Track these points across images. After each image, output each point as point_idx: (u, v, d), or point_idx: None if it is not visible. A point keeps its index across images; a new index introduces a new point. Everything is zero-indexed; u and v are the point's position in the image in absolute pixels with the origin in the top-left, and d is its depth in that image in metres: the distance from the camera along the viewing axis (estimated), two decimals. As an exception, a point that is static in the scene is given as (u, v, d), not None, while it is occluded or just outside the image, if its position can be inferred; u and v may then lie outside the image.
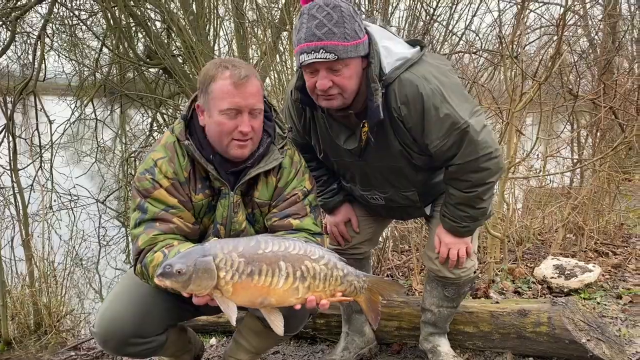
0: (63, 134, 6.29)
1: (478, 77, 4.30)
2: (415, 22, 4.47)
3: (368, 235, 2.50)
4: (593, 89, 4.87)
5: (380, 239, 3.87)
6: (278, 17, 5.13)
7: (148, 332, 1.97)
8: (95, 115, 7.15)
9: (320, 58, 1.83)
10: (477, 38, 4.73)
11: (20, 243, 3.97)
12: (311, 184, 2.04)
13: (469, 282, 2.37)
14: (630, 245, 4.30)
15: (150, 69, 7.10)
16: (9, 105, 4.16)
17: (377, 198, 2.29)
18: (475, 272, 2.38)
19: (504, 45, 3.58)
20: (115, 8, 6.30)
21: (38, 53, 5.46)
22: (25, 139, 5.94)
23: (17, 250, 4.11)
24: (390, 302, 2.75)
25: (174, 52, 6.36)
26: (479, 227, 2.31)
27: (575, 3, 4.41)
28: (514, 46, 3.58)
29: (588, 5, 5.50)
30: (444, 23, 4.44)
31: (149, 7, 6.48)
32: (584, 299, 3.20)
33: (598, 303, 3.14)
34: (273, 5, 5.32)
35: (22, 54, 7.11)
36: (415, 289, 3.48)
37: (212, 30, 6.02)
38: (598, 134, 4.52)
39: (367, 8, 4.41)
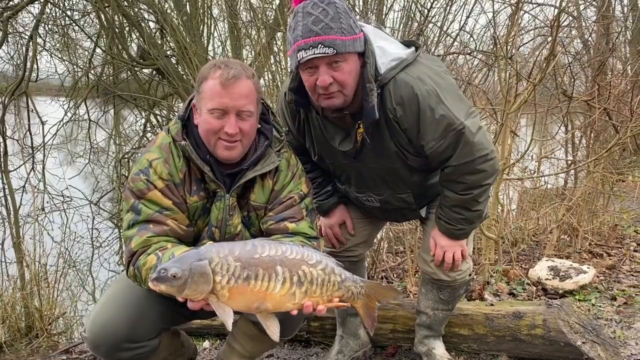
0: (55, 134, 6.25)
1: (472, 78, 4.29)
2: (410, 22, 4.47)
3: (363, 238, 2.49)
4: (587, 90, 4.88)
5: (375, 240, 3.86)
6: (272, 17, 5.11)
7: (141, 336, 1.94)
8: (89, 116, 7.11)
9: (319, 53, 1.81)
10: (472, 39, 4.73)
11: (11, 245, 3.94)
12: (307, 187, 2.02)
13: (464, 284, 2.36)
14: (624, 246, 4.31)
15: (143, 70, 7.07)
16: (0, 107, 4.13)
17: (372, 200, 2.27)
18: (470, 275, 2.36)
19: (498, 47, 3.58)
20: (108, 8, 6.26)
21: (30, 53, 5.43)
22: (17, 140, 5.91)
23: (8, 252, 4.07)
24: (384, 304, 2.74)
25: (168, 52, 6.33)
26: (474, 229, 2.30)
27: (569, 4, 4.42)
28: (509, 47, 3.58)
29: (582, 7, 5.52)
30: (439, 24, 4.44)
31: (142, 7, 6.45)
32: (579, 300, 3.19)
33: (593, 305, 3.14)
34: (267, 6, 5.30)
35: (14, 54, 7.06)
36: (410, 291, 3.47)
37: (205, 30, 5.99)
38: (592, 135, 4.53)
39: (361, 9, 4.40)
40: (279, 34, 4.66)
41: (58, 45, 7.57)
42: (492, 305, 2.59)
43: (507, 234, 4.06)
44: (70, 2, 6.95)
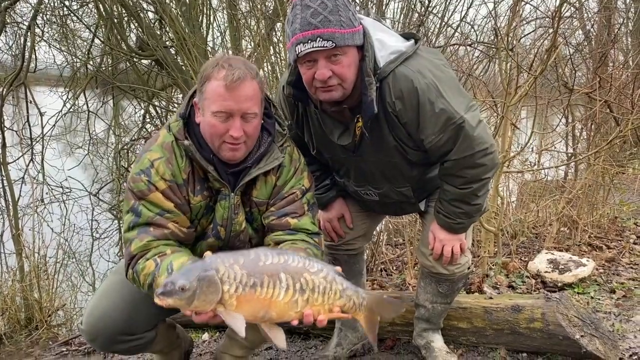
0: (54, 125, 6.23)
1: (473, 70, 4.27)
2: (410, 13, 4.43)
3: (362, 231, 2.48)
4: (588, 82, 4.85)
5: (374, 232, 3.86)
6: (272, 8, 5.07)
7: (137, 328, 1.94)
8: (88, 107, 7.08)
9: (318, 47, 1.79)
10: (473, 30, 4.70)
11: (10, 237, 3.93)
12: (309, 181, 2.00)
13: (463, 278, 2.36)
14: (624, 239, 4.31)
15: (142, 61, 7.02)
16: (-2, 97, 4.11)
17: (371, 194, 2.26)
18: (469, 268, 2.36)
19: (499, 38, 3.55)
20: (107, -2, 6.22)
21: (28, 44, 5.40)
22: (16, 131, 5.89)
23: (7, 244, 4.07)
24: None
25: (167, 43, 6.28)
26: (474, 223, 2.29)
27: (571, -5, 4.38)
28: (510, 39, 3.55)
29: (583, -2, 5.47)
30: (439, 15, 4.40)
31: (141, -3, 6.40)
32: (578, 293, 3.19)
33: (592, 297, 3.14)
34: (266, -4, 5.25)
35: (12, 44, 7.02)
36: (409, 284, 3.47)
37: (205, 21, 5.95)
38: (593, 127, 4.51)
39: (361, 0, 4.37)
40: (279, 25, 4.62)
41: (56, 35, 7.52)
42: (490, 298, 2.59)
43: (506, 226, 4.05)
44: (69, -8, 6.90)
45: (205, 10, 5.89)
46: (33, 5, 6.25)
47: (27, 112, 5.42)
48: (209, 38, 5.98)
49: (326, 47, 1.79)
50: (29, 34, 5.25)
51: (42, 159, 5.92)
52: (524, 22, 4.43)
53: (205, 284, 1.48)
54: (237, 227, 1.92)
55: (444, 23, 4.37)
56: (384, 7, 4.37)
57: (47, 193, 6.28)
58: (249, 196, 1.92)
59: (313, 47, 1.79)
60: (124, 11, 6.48)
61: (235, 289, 1.50)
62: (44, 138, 5.67)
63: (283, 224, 1.92)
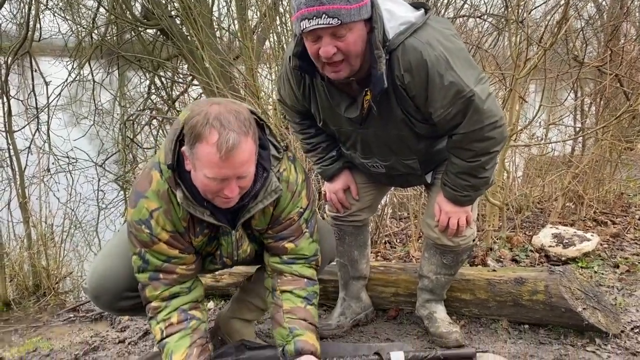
0: (59, 95, 6.21)
1: (482, 43, 4.21)
2: (419, -16, 4.34)
3: (367, 203, 2.48)
4: (599, 55, 4.78)
5: (379, 206, 3.86)
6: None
7: None
8: (93, 77, 7.04)
9: (323, 24, 1.74)
10: (482, 2, 4.61)
11: (17, 206, 3.97)
12: (308, 199, 1.97)
13: (468, 250, 2.37)
14: (629, 214, 4.30)
15: (147, 30, 6.95)
16: (3, 66, 4.09)
17: (378, 166, 2.26)
18: (474, 241, 2.37)
19: (509, 10, 3.49)
20: (111, -34, 6.13)
21: (33, 12, 5.34)
22: (22, 101, 5.88)
23: (15, 212, 4.10)
24: (387, 268, 2.76)
25: (172, 12, 6.21)
26: (480, 196, 2.29)
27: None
28: (520, 10, 3.49)
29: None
30: (449, -15, 4.32)
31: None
32: (582, 267, 3.20)
33: (595, 272, 3.15)
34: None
35: (17, 12, 6.95)
36: (412, 256, 3.49)
37: (210, -10, 5.86)
38: (602, 102, 4.46)
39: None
40: (285, -6, 4.55)
41: (61, 4, 7.43)
42: (494, 271, 2.60)
43: (511, 200, 4.05)
44: (72, -41, 6.80)
45: (211, -21, 5.80)
46: (37, -28, 6.16)
47: (33, 82, 5.40)
48: (215, 8, 5.91)
49: (331, 24, 1.74)
50: (33, 2, 5.19)
51: (48, 129, 5.92)
52: (535, -7, 4.34)
53: None
54: (242, 255, 1.99)
55: (453, -6, 4.29)
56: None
57: (53, 163, 6.31)
58: (249, 226, 1.94)
59: (318, 24, 1.74)
60: (128, -21, 6.40)
61: None
62: (50, 108, 5.65)
63: (280, 247, 1.97)
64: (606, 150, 4.46)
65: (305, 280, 1.99)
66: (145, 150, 7.17)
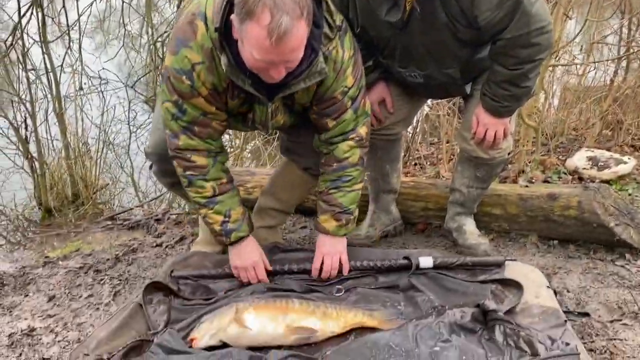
0: (90, 13, 6.15)
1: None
2: None
3: (402, 115, 2.45)
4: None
5: (410, 129, 3.83)
6: None
7: None
8: (122, -3, 6.92)
9: None
10: None
11: (55, 121, 4.04)
12: (354, 77, 1.93)
13: (502, 163, 2.35)
14: (669, 141, 4.16)
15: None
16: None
17: (416, 75, 2.21)
18: (509, 154, 2.35)
19: None
20: None
21: None
22: (52, 18, 5.84)
23: (52, 128, 4.20)
24: (417, 183, 2.77)
25: None
26: (520, 107, 2.24)
27: None
28: None
29: None
30: None
31: None
32: (616, 190, 3.15)
33: (629, 194, 3.10)
34: None
35: None
36: (442, 176, 3.48)
37: None
38: (650, 23, 4.21)
39: None
40: None
41: None
42: (526, 186, 2.59)
43: (546, 125, 3.96)
44: None
45: None
46: None
47: (63, -1, 5.34)
48: None
49: None
50: None
51: (80, 47, 5.92)
52: None
53: None
54: (275, 125, 2.02)
55: None
56: None
57: (85, 83, 6.35)
58: (291, 99, 1.92)
59: None
60: None
61: None
62: (80, 23, 5.61)
63: (323, 124, 1.99)
64: (651, 74, 4.26)
65: (336, 164, 2.03)
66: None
